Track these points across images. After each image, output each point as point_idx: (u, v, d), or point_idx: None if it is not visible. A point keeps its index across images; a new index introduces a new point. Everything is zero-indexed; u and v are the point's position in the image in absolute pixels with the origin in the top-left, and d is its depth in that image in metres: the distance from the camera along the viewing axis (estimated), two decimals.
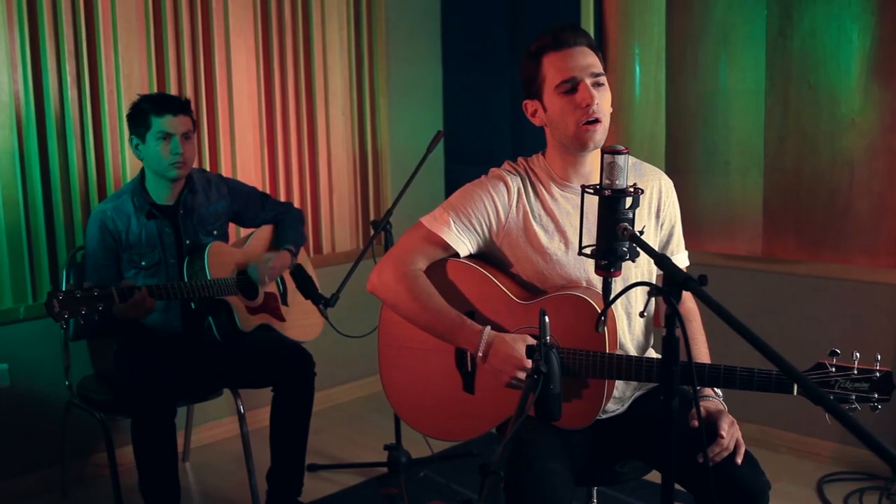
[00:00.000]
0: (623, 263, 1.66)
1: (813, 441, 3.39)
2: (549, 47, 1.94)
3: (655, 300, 2.05)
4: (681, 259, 2.12)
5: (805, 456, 3.40)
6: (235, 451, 3.44)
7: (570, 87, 1.91)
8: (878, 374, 1.72)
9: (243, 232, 3.44)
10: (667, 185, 2.09)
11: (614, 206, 1.62)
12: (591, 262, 1.68)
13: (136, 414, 2.69)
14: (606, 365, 1.87)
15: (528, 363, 1.83)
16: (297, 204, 3.96)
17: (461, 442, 3.13)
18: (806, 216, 3.40)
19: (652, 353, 2.14)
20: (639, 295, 2.04)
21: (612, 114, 1.99)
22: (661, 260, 1.49)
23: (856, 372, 1.73)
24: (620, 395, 2.05)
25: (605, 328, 1.89)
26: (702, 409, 1.88)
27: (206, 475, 3.45)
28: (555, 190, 2.03)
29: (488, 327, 1.92)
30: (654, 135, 3.76)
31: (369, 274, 2.10)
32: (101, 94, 3.30)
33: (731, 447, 1.82)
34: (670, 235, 2.10)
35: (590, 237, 1.72)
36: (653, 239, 2.06)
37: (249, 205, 3.20)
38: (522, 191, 2.03)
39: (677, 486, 1.59)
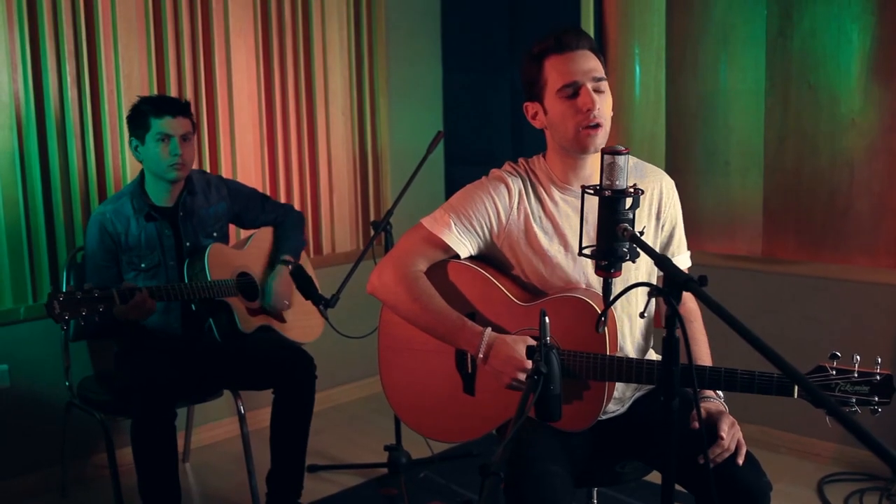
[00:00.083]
0: (624, 264, 1.66)
1: (813, 442, 3.38)
2: (551, 50, 1.93)
3: (656, 301, 2.05)
4: (683, 260, 2.12)
5: (805, 457, 3.40)
6: (236, 451, 3.44)
7: (572, 91, 1.91)
8: (878, 378, 1.72)
9: (243, 234, 3.44)
10: (668, 185, 2.08)
11: (614, 207, 1.62)
12: (591, 265, 1.68)
13: (137, 415, 2.68)
14: (607, 367, 1.86)
15: (529, 364, 1.83)
16: (297, 204, 3.96)
17: (461, 443, 3.13)
18: (806, 216, 3.40)
19: (652, 355, 2.14)
20: (639, 296, 2.04)
21: (612, 114, 1.99)
22: (661, 261, 1.48)
23: (856, 375, 1.73)
24: (620, 396, 2.05)
25: (606, 329, 1.89)
26: (702, 410, 1.88)
27: (207, 476, 3.45)
28: (555, 192, 2.02)
29: (489, 329, 1.92)
30: (654, 135, 3.76)
31: (369, 275, 2.10)
32: (101, 95, 3.30)
33: (732, 448, 1.82)
34: (671, 237, 2.09)
35: (590, 238, 1.72)
36: (653, 240, 2.06)
37: (249, 206, 3.19)
38: (523, 192, 2.03)
39: (678, 487, 1.59)
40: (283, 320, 3.15)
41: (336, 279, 3.02)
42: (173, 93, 3.48)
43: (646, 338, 2.10)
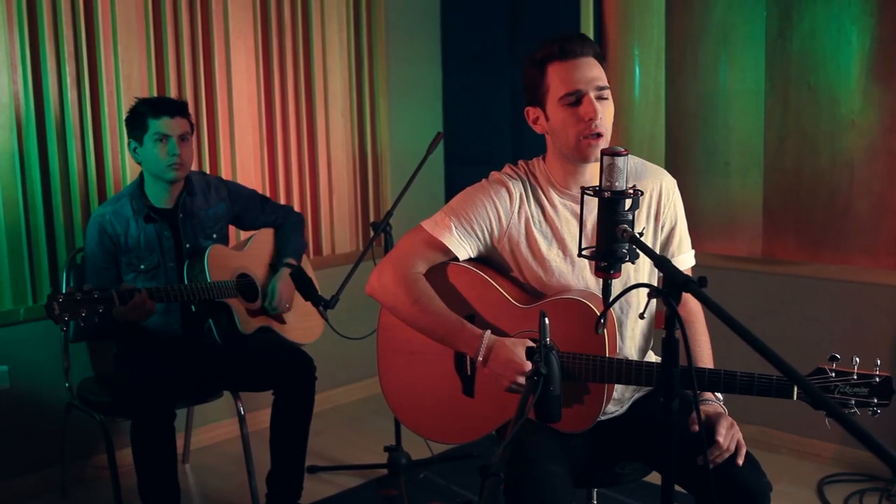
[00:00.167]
0: (625, 265, 1.66)
1: (813, 442, 3.38)
2: (554, 57, 1.92)
3: (656, 302, 2.05)
4: (686, 259, 2.10)
5: (805, 457, 3.40)
6: (235, 452, 3.44)
7: (574, 99, 1.90)
8: (877, 380, 1.72)
9: (243, 235, 3.44)
10: (668, 185, 2.07)
11: (614, 208, 1.62)
12: (590, 270, 1.68)
13: (136, 415, 2.68)
14: (606, 369, 1.86)
15: (529, 367, 1.83)
16: (296, 205, 3.96)
17: (461, 444, 3.13)
18: (806, 217, 3.40)
19: (651, 356, 2.14)
20: (640, 297, 2.04)
21: (613, 114, 1.98)
22: (661, 262, 1.49)
23: (855, 377, 1.73)
24: (620, 397, 2.05)
25: (605, 331, 1.89)
26: (700, 412, 1.87)
27: (206, 477, 3.45)
28: (554, 197, 2.02)
29: (489, 331, 1.92)
30: (654, 135, 3.76)
31: (365, 282, 2.10)
32: (100, 96, 3.30)
33: (732, 448, 1.81)
34: (670, 237, 2.08)
35: (588, 239, 1.72)
36: (652, 240, 2.05)
37: (249, 207, 3.19)
38: (524, 197, 2.03)
39: (677, 488, 1.59)
40: (282, 321, 3.16)
41: (336, 280, 3.03)
42: (173, 94, 3.48)
43: (646, 339, 2.10)
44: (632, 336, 2.04)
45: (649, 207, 2.04)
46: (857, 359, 1.74)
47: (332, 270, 3.81)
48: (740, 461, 1.81)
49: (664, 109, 3.74)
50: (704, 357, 2.02)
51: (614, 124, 2.00)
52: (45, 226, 3.20)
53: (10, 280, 3.13)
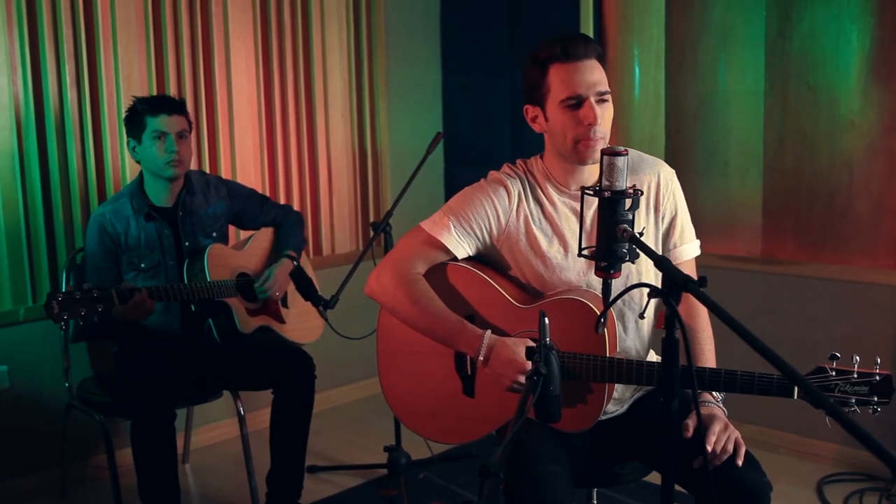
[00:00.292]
0: (627, 264, 1.66)
1: (813, 442, 3.38)
2: (556, 58, 1.91)
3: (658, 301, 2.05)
4: (690, 249, 2.09)
5: (805, 457, 3.40)
6: (235, 452, 3.44)
7: (575, 103, 1.89)
8: (877, 378, 1.72)
9: (243, 234, 3.44)
10: (666, 175, 2.06)
11: (614, 208, 1.62)
12: (591, 267, 1.68)
13: (136, 415, 2.68)
14: (606, 368, 1.86)
15: (530, 366, 1.83)
16: (296, 205, 3.96)
17: (461, 444, 3.13)
18: (805, 217, 3.40)
19: (652, 355, 2.14)
20: (642, 296, 2.03)
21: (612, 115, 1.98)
22: (661, 262, 1.49)
23: (856, 375, 1.73)
24: (620, 397, 2.05)
25: (605, 330, 1.89)
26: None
27: (206, 477, 3.45)
28: (553, 195, 2.02)
29: (489, 331, 1.92)
30: (654, 135, 3.76)
31: (365, 282, 2.10)
32: (100, 96, 3.30)
33: (729, 449, 1.81)
34: (671, 227, 2.06)
35: (589, 238, 1.72)
36: (653, 234, 2.05)
37: (249, 207, 3.20)
38: (522, 195, 2.03)
39: (677, 488, 1.59)
40: (282, 321, 3.16)
41: (335, 280, 3.03)
42: (173, 94, 3.48)
43: (648, 337, 2.10)
44: (636, 334, 2.04)
45: (648, 199, 2.04)
46: (858, 357, 1.74)
47: (331, 270, 3.81)
48: (740, 462, 1.81)
49: (664, 109, 3.74)
50: (707, 356, 2.02)
51: (614, 124, 2.00)
52: (45, 226, 3.20)
53: (9, 280, 3.13)
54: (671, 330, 1.45)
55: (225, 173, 3.68)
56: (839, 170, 3.30)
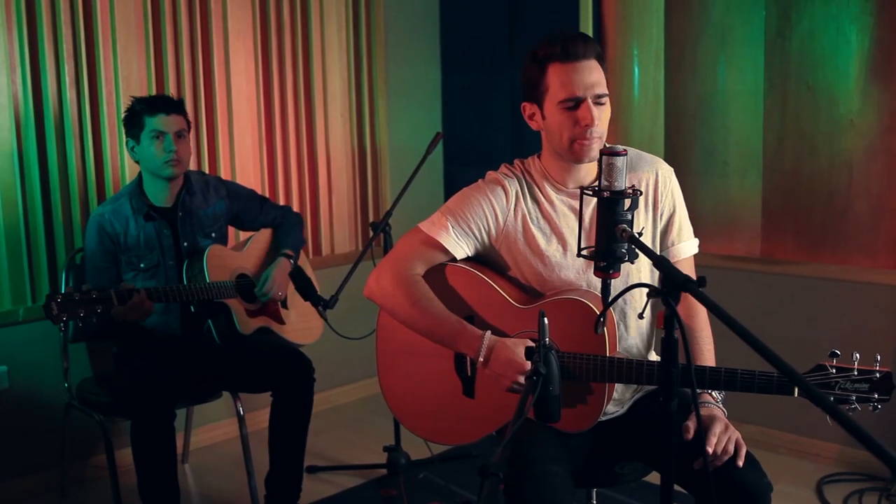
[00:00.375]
0: (626, 264, 1.66)
1: (812, 442, 3.39)
2: (556, 57, 1.90)
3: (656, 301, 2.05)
4: (688, 247, 2.09)
5: (804, 457, 3.40)
6: (235, 452, 3.44)
7: (573, 104, 1.89)
8: (877, 375, 1.72)
9: (242, 235, 3.44)
10: (665, 173, 2.05)
11: (613, 208, 1.62)
12: (590, 264, 1.68)
13: (136, 415, 2.68)
14: (606, 368, 1.86)
15: (530, 367, 1.83)
16: (296, 205, 3.96)
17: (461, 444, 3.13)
18: (805, 217, 3.40)
19: (653, 355, 2.14)
20: (642, 295, 2.03)
21: (611, 115, 1.98)
22: (660, 262, 1.49)
23: (856, 373, 1.73)
24: (620, 397, 2.05)
25: (605, 330, 1.89)
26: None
27: (206, 477, 3.45)
28: (551, 193, 2.02)
29: (489, 332, 1.91)
30: (653, 136, 3.76)
31: (364, 282, 2.09)
32: (99, 96, 3.30)
33: (730, 450, 1.81)
34: (669, 224, 2.06)
35: (588, 238, 1.72)
36: (651, 232, 2.05)
37: (248, 207, 3.19)
38: (520, 194, 2.03)
39: (677, 488, 1.59)
40: (282, 322, 3.15)
41: (335, 280, 3.03)
42: (172, 94, 3.48)
43: (649, 336, 2.10)
44: (637, 333, 2.04)
45: (646, 197, 2.04)
46: (858, 355, 1.74)
47: (331, 270, 3.81)
48: (740, 462, 1.81)
49: (663, 110, 3.74)
50: (706, 356, 2.02)
51: (614, 124, 2.00)
52: (45, 226, 3.20)
53: (9, 280, 3.13)
54: (670, 330, 1.45)
55: (224, 173, 3.68)
56: (838, 170, 3.30)
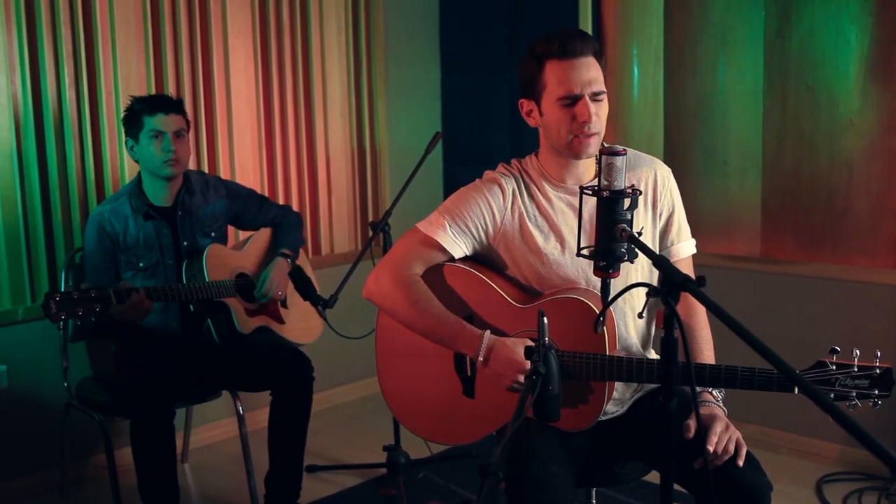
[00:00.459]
0: (625, 263, 1.66)
1: (812, 441, 3.39)
2: (554, 54, 1.90)
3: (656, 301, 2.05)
4: (687, 247, 2.10)
5: (804, 456, 3.40)
6: (234, 452, 3.44)
7: (571, 101, 1.90)
8: (878, 371, 1.73)
9: (242, 235, 3.44)
10: (663, 173, 2.06)
11: (612, 208, 1.62)
12: (589, 262, 1.68)
13: (135, 414, 2.68)
14: (606, 367, 1.86)
15: (529, 366, 1.83)
16: (295, 205, 3.96)
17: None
18: (804, 217, 3.40)
19: (652, 353, 2.14)
20: (641, 293, 2.03)
21: (610, 115, 1.98)
22: (660, 261, 1.49)
23: (856, 369, 1.74)
24: (620, 397, 2.05)
25: (605, 329, 1.89)
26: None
27: (205, 476, 3.45)
28: (549, 190, 2.02)
29: (488, 331, 1.91)
30: (653, 135, 3.76)
31: (365, 280, 2.09)
32: (99, 96, 3.30)
33: (730, 450, 1.81)
34: (669, 224, 2.07)
35: (587, 238, 1.72)
36: (651, 231, 2.05)
37: (248, 207, 3.19)
38: (517, 192, 2.03)
39: (677, 487, 1.59)
40: (281, 321, 3.15)
41: (334, 280, 3.02)
42: (171, 94, 3.47)
43: (648, 333, 2.10)
44: (636, 329, 2.04)
45: (646, 196, 2.04)
46: (858, 351, 1.74)
47: (330, 270, 3.81)
48: (741, 462, 1.81)
49: (663, 109, 3.74)
50: (706, 356, 2.02)
51: (613, 124, 2.00)
52: (44, 226, 3.20)
53: (8, 280, 3.13)
54: (670, 329, 1.45)
55: (224, 173, 3.68)
56: (838, 170, 3.30)
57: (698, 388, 1.91)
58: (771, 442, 3.46)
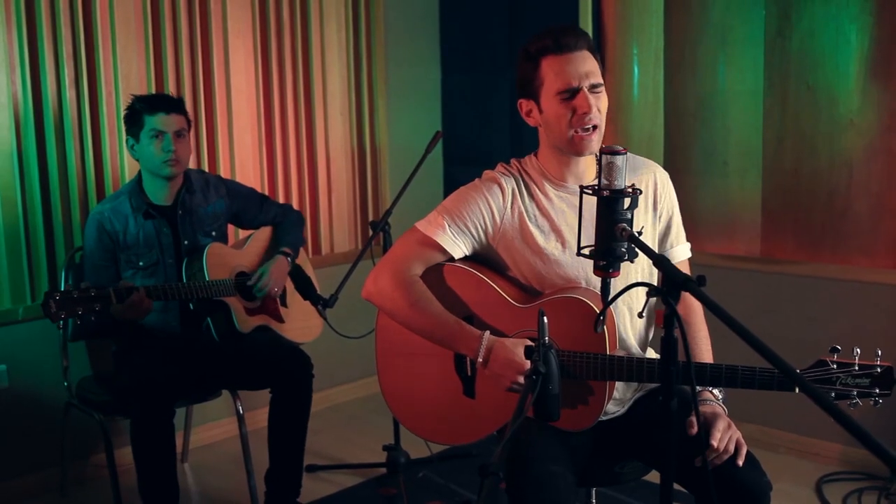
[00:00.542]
0: (625, 262, 1.66)
1: (812, 441, 3.39)
2: (549, 50, 1.91)
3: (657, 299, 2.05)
4: (683, 251, 2.11)
5: (804, 456, 3.40)
6: (234, 451, 3.44)
7: (569, 95, 1.90)
8: (878, 370, 1.73)
9: (242, 234, 3.44)
10: (662, 177, 2.08)
11: (613, 207, 1.62)
12: (590, 261, 1.68)
13: (135, 413, 2.69)
14: (606, 367, 1.86)
15: (529, 366, 1.83)
16: (295, 205, 3.96)
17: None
18: (804, 217, 3.40)
19: (652, 352, 2.14)
20: (641, 291, 2.03)
21: (610, 114, 1.99)
22: (660, 261, 1.49)
23: (857, 368, 1.74)
24: (621, 397, 2.05)
25: (605, 329, 1.89)
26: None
27: (205, 476, 3.45)
28: (549, 190, 2.02)
29: (487, 332, 1.91)
30: (653, 135, 3.76)
31: (365, 280, 2.09)
32: (99, 96, 3.30)
33: (731, 449, 1.81)
34: (668, 227, 2.08)
35: (588, 237, 1.72)
36: (651, 233, 2.05)
37: (248, 206, 3.19)
38: (517, 192, 2.03)
39: (677, 487, 1.59)
40: (281, 321, 3.16)
41: (335, 279, 3.03)
42: (171, 93, 3.48)
43: (647, 332, 2.10)
44: (634, 329, 2.04)
45: (646, 199, 2.04)
46: (858, 350, 1.74)
47: (330, 269, 3.81)
48: (740, 462, 1.81)
49: (663, 109, 3.74)
50: (703, 352, 2.02)
51: (613, 124, 2.00)
52: (44, 225, 3.20)
53: (8, 279, 3.13)
54: (670, 329, 1.45)
55: (224, 172, 3.68)
56: (838, 170, 3.30)
57: (698, 388, 1.91)
58: (771, 442, 3.46)
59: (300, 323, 3.22)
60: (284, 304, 3.20)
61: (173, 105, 2.88)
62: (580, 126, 1.90)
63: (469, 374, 2.04)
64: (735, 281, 3.52)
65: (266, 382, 2.93)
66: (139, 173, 2.95)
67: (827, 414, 1.15)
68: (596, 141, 1.92)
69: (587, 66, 1.90)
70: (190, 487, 3.36)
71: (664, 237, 2.08)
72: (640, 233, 1.63)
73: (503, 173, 2.06)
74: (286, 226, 3.24)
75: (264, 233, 3.23)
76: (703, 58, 3.60)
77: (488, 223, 2.02)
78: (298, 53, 3.93)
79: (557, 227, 2.00)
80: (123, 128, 2.92)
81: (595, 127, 1.91)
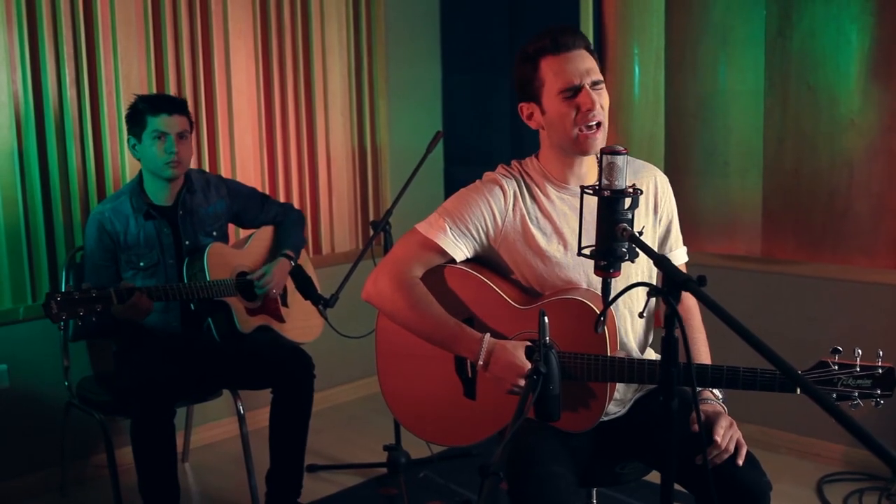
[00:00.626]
0: (625, 263, 1.66)
1: (813, 441, 3.39)
2: (547, 51, 1.91)
3: (656, 300, 2.05)
4: (680, 255, 2.12)
5: (805, 456, 3.40)
6: (235, 451, 3.44)
7: (571, 94, 1.90)
8: (880, 371, 1.73)
9: (243, 233, 3.44)
10: (662, 180, 2.09)
11: (613, 207, 1.62)
12: (591, 263, 1.68)
13: (136, 413, 2.69)
14: (607, 368, 1.86)
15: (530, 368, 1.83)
16: (296, 205, 3.96)
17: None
18: (805, 217, 3.40)
19: (651, 353, 2.14)
20: (640, 293, 2.03)
21: (611, 114, 1.98)
22: (660, 261, 1.49)
23: (858, 369, 1.74)
24: (621, 398, 2.05)
25: (605, 329, 1.88)
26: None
27: (206, 476, 3.45)
28: (551, 192, 2.02)
29: (488, 335, 1.91)
30: (653, 135, 3.76)
31: (365, 281, 2.09)
32: (100, 95, 3.30)
33: (731, 448, 1.81)
34: (668, 230, 2.09)
35: (588, 238, 1.72)
36: (651, 235, 2.06)
37: (249, 206, 3.19)
38: (518, 194, 2.02)
39: (677, 487, 1.59)
40: (282, 320, 3.16)
41: (335, 279, 3.03)
42: (172, 94, 3.48)
43: (647, 334, 2.10)
44: (634, 331, 2.04)
45: (647, 202, 2.05)
46: (860, 351, 1.74)
47: (331, 269, 3.81)
48: (740, 461, 1.81)
49: (663, 109, 3.74)
50: (702, 355, 2.03)
51: (614, 124, 2.00)
52: (45, 225, 3.20)
53: (9, 279, 3.13)
54: (670, 329, 1.45)
55: (225, 172, 3.68)
56: (839, 170, 3.29)
57: (699, 388, 1.91)
58: (771, 442, 3.46)
59: (301, 323, 3.22)
60: (285, 304, 3.20)
61: (176, 106, 2.88)
62: (584, 123, 1.90)
63: (469, 375, 2.04)
64: (735, 281, 3.52)
65: (267, 382, 2.93)
66: (140, 173, 2.95)
67: (829, 415, 1.15)
68: (601, 140, 1.92)
69: (587, 63, 1.91)
70: (190, 487, 3.36)
71: (664, 240, 2.09)
72: (640, 233, 1.63)
73: (504, 175, 2.05)
74: (287, 226, 3.24)
75: (265, 232, 3.23)
76: (703, 58, 3.60)
77: (489, 225, 2.02)
78: (299, 53, 3.93)
79: (559, 228, 2.00)
80: (125, 127, 2.92)
81: (599, 124, 1.91)
